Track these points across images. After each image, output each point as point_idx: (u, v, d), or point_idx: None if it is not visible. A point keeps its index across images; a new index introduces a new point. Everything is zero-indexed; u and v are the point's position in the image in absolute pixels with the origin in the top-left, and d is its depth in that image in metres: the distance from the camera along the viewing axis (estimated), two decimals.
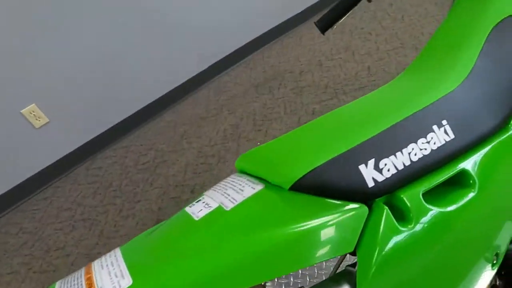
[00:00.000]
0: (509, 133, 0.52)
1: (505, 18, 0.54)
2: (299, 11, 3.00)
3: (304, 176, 0.41)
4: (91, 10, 2.13)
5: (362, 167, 0.42)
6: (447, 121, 0.47)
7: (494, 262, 0.52)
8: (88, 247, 1.77)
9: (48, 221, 2.00)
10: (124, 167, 2.20)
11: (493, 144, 0.50)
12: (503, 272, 0.66)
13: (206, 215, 0.41)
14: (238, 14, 2.69)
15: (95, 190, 2.10)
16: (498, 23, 0.54)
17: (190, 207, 0.45)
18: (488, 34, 0.53)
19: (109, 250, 1.71)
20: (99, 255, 1.71)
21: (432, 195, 0.45)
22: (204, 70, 2.65)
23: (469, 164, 0.47)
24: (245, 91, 2.48)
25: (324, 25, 0.84)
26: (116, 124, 2.40)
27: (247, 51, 2.81)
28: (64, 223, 1.96)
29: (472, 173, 0.47)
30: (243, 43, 2.78)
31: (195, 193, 1.85)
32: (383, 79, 2.16)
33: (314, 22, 0.85)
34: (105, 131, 2.37)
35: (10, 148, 2.08)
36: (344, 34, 2.72)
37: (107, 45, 2.24)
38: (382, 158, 0.42)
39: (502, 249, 0.53)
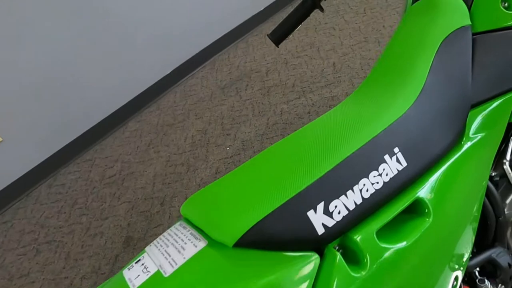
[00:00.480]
0: (462, 150, 0.50)
1: (452, 31, 0.52)
2: (262, 8, 2.96)
3: (248, 231, 0.38)
4: (42, 16, 1.99)
5: (310, 213, 0.38)
6: (399, 148, 0.44)
7: (454, 284, 0.51)
8: (55, 272, 1.68)
9: (10, 246, 1.88)
10: (89, 182, 2.10)
11: (446, 165, 0.48)
12: None
13: (143, 284, 0.37)
14: (201, 15, 2.62)
15: (59, 209, 2.00)
16: (446, 37, 0.52)
17: (129, 269, 0.41)
18: (437, 49, 0.51)
19: (77, 273, 1.63)
20: (66, 279, 1.63)
21: (387, 230, 0.43)
22: (168, 74, 2.57)
23: (423, 191, 0.45)
24: (212, 94, 2.42)
25: (278, 38, 0.81)
26: (78, 137, 2.28)
27: (211, 52, 2.74)
28: (27, 247, 1.85)
29: (427, 200, 0.45)
30: (207, 44, 2.70)
31: (164, 206, 1.79)
32: (348, 75, 2.16)
33: (267, 35, 0.81)
34: (66, 145, 2.25)
35: None
36: (308, 30, 2.70)
37: (61, 54, 2.11)
38: (332, 200, 0.39)
39: (461, 270, 0.52)
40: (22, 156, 2.11)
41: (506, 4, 0.55)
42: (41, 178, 2.20)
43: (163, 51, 2.51)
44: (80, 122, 2.28)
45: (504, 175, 0.61)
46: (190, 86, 2.57)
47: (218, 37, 2.75)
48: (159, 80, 2.53)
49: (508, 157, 0.60)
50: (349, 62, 2.25)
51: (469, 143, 0.51)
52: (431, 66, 0.50)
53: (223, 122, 2.16)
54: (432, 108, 0.49)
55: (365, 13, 2.66)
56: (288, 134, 1.87)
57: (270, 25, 2.93)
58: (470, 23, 0.54)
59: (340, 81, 2.13)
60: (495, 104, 0.52)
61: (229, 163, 1.88)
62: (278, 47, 0.82)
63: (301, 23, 0.80)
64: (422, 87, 0.49)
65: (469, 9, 0.55)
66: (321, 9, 0.77)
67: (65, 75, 2.16)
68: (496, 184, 0.61)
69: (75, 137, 2.27)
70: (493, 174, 0.61)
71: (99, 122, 2.34)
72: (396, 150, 0.44)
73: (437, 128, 0.48)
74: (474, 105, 0.52)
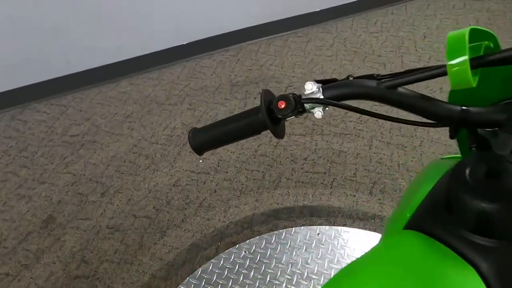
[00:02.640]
0: None
1: None
2: (318, 10, 2.54)
3: None
4: None
5: None
6: None
7: None
8: None
9: None
10: (50, 131, 1.88)
11: None
12: None
13: None
14: None
15: (6, 148, 1.81)
16: None
17: None
18: None
19: None
20: None
21: None
22: (186, 43, 2.25)
23: None
24: (218, 87, 2.11)
25: (200, 146, 0.50)
26: (62, 76, 2.05)
27: (241, 37, 2.38)
28: None
29: None
30: (239, 27, 2.35)
31: (104, 198, 1.56)
32: (370, 133, 1.80)
33: (189, 131, 0.50)
34: (47, 80, 2.03)
35: None
36: (357, 55, 2.30)
37: None
38: None
39: None
40: None
41: None
42: (8, 105, 2.00)
43: (185, 19, 2.18)
44: (73, 62, 2.03)
45: None
46: (202, 67, 2.25)
47: (255, 24, 2.38)
48: (171, 48, 2.22)
49: None
50: (371, 120, 1.86)
51: None
52: None
53: None
54: None
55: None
56: (271, 175, 1.59)
57: (319, 31, 2.53)
58: None
59: (359, 136, 1.78)
60: None
61: (192, 180, 1.62)
62: (199, 155, 0.51)
63: (244, 139, 0.49)
64: None
65: None
66: (277, 135, 0.46)
67: (72, 6, 1.89)
68: None
69: (59, 75, 2.04)
70: None
71: (90, 69, 2.09)
72: None
73: None
74: None
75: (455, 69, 0.33)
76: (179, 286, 1.20)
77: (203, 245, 1.39)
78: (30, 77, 1.97)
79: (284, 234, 1.32)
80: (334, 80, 0.48)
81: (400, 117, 0.43)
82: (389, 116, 0.43)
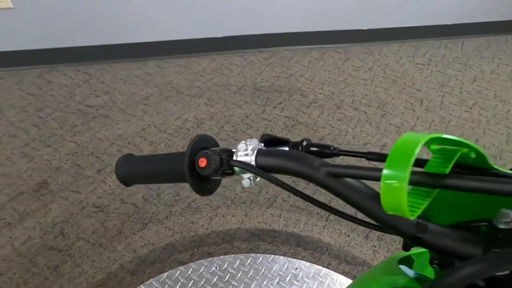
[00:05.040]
0: None
1: None
2: (371, 28, 2.40)
3: None
4: None
5: None
6: None
7: None
8: None
9: None
10: (68, 97, 1.92)
11: None
12: None
13: None
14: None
15: (25, 105, 1.86)
16: None
17: None
18: None
19: None
20: None
21: None
22: (221, 37, 2.21)
23: None
24: (241, 88, 2.05)
25: (127, 178, 0.44)
26: (95, 45, 2.07)
27: (278, 41, 2.30)
28: None
29: None
30: (284, 31, 2.27)
31: (99, 175, 1.56)
32: None
33: (118, 161, 0.45)
34: (80, 46, 2.06)
35: None
36: (394, 85, 2.15)
37: None
38: None
39: None
40: (26, 33, 1.95)
41: None
42: (39, 62, 2.05)
43: (224, 12, 2.13)
44: (105, 33, 2.05)
45: None
46: (231, 63, 2.20)
47: (295, 30, 2.29)
48: (204, 38, 2.18)
49: None
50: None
51: None
52: None
53: (222, 127, 1.81)
54: None
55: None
56: (268, 192, 1.50)
57: (361, 50, 2.39)
58: None
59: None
60: None
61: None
62: (127, 186, 0.45)
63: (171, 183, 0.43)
64: None
65: None
66: (201, 192, 0.39)
67: None
68: None
69: (92, 44, 2.07)
70: None
71: (122, 44, 2.10)
72: None
73: None
74: None
75: (387, 182, 0.24)
76: (140, 286, 1.16)
77: (179, 247, 1.35)
78: (66, 39, 2.01)
79: (260, 259, 1.25)
80: (285, 141, 0.41)
81: (344, 211, 0.35)
82: (330, 207, 0.35)
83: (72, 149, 1.66)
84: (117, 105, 1.89)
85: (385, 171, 0.25)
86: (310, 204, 1.49)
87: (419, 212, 0.26)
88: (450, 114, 1.99)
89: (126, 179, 0.44)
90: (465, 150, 0.29)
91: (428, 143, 0.29)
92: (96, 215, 1.43)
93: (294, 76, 2.15)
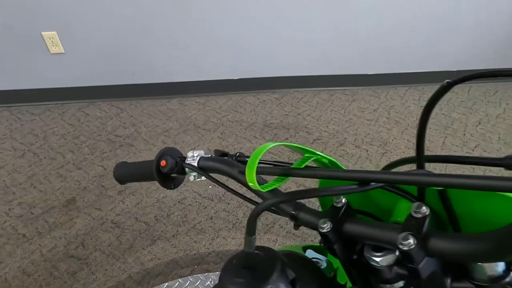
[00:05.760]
0: None
1: None
2: (378, 72, 2.58)
3: None
4: None
5: None
6: None
7: None
8: (5, 184, 1.83)
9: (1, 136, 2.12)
10: (101, 128, 2.20)
11: None
12: None
13: None
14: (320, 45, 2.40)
15: (65, 133, 2.15)
16: None
17: None
18: None
19: (20, 197, 1.75)
20: (10, 195, 1.76)
21: None
22: (235, 79, 2.47)
23: None
24: (251, 125, 2.25)
25: (121, 177, 0.63)
26: (128, 84, 2.39)
27: (293, 83, 2.53)
28: (18, 149, 2.05)
29: None
30: (295, 74, 2.50)
31: (120, 195, 1.77)
32: None
33: (115, 166, 0.64)
34: (117, 85, 2.38)
35: (22, 60, 2.19)
36: (397, 126, 2.27)
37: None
38: None
39: None
40: (73, 73, 2.30)
41: None
42: (81, 97, 2.39)
43: (242, 57, 2.40)
44: (142, 74, 2.37)
45: None
46: (245, 102, 2.44)
47: (306, 74, 2.52)
48: (223, 79, 2.45)
49: None
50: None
51: None
52: None
53: None
54: None
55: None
56: (267, 218, 1.63)
57: (368, 93, 2.56)
58: None
59: None
60: None
61: (196, 202, 1.75)
62: (121, 184, 0.65)
63: (148, 181, 0.60)
64: None
65: None
66: (164, 185, 0.56)
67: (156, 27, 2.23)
68: None
69: (125, 83, 2.39)
70: None
71: (150, 83, 2.41)
72: None
73: None
74: None
75: (248, 170, 0.40)
76: None
77: (182, 263, 1.50)
78: (104, 79, 2.34)
79: None
80: (226, 153, 0.58)
81: (238, 191, 0.51)
82: (251, 199, 0.51)
83: (99, 172, 1.90)
84: (141, 136, 2.14)
85: (248, 164, 0.41)
86: (305, 231, 1.60)
87: (269, 188, 0.42)
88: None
89: (120, 179, 0.62)
90: (318, 157, 0.45)
91: (303, 152, 0.46)
92: (113, 230, 1.62)
93: (302, 115, 2.34)
